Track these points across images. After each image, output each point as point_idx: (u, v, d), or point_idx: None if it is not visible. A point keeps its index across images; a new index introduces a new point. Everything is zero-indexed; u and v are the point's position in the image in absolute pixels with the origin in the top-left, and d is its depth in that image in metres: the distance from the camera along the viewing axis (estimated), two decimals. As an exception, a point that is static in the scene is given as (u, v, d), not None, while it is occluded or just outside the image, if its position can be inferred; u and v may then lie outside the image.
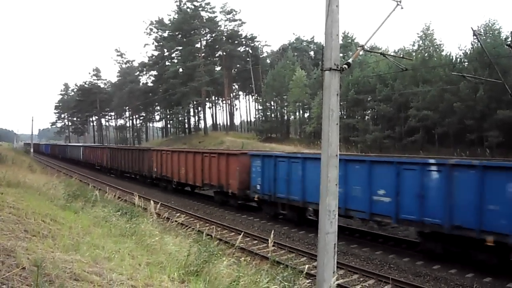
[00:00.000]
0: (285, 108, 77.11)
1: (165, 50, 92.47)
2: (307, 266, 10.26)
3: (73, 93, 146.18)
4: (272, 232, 12.96)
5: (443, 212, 14.00)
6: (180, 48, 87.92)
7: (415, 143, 46.93)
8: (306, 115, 73.07)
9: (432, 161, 15.11)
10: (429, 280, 13.54)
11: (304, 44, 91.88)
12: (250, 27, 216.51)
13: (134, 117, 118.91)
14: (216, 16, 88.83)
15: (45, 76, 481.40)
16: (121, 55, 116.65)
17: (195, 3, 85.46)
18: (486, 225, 12.82)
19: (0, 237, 6.22)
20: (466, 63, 45.95)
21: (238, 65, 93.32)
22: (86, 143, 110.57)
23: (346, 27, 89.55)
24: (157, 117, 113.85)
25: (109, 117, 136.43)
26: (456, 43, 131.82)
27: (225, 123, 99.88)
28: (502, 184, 12.59)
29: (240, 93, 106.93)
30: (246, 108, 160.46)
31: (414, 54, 50.51)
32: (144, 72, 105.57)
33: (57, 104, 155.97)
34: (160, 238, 10.21)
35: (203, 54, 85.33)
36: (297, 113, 77.01)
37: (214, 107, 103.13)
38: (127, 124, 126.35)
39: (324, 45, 9.09)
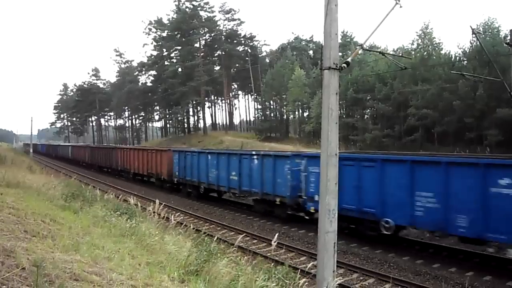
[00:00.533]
0: (284, 107, 77.12)
1: (164, 49, 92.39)
2: (309, 265, 10.27)
3: (72, 93, 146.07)
4: (275, 232, 12.96)
5: (260, 184, 23.17)
6: (179, 47, 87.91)
7: (414, 142, 46.93)
8: (305, 114, 73.09)
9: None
10: (429, 278, 13.55)
11: (303, 43, 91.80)
12: (249, 27, 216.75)
13: (133, 117, 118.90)
14: (215, 16, 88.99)
15: (44, 76, 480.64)
16: (120, 55, 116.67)
17: (194, 2, 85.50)
18: (277, 192, 21.95)
19: (0, 238, 6.22)
20: (465, 62, 46.00)
21: (237, 65, 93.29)
22: (75, 143, 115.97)
23: (345, 26, 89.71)
24: (157, 117, 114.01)
25: (109, 117, 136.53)
26: (455, 41, 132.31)
27: (224, 123, 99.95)
28: (281, 165, 21.83)
29: (239, 92, 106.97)
30: (245, 108, 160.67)
31: (413, 53, 50.48)
32: (143, 72, 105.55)
33: (56, 104, 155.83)
34: (160, 238, 10.20)
35: (202, 54, 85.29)
36: (297, 112, 77.03)
37: (213, 107, 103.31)
38: (127, 124, 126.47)
39: (323, 44, 9.09)
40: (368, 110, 58.98)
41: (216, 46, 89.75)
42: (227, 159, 26.10)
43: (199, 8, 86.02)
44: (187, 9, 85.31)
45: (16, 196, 11.98)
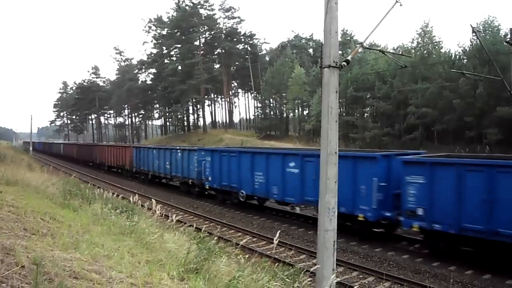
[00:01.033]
0: (284, 105, 77.14)
1: (164, 47, 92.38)
2: (309, 263, 10.26)
3: (72, 91, 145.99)
4: (275, 231, 12.95)
5: (181, 171, 31.59)
6: (179, 45, 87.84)
7: (414, 140, 46.95)
8: (305, 112, 73.11)
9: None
10: (428, 277, 13.55)
11: (303, 41, 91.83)
12: (249, 25, 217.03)
13: (133, 115, 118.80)
14: (214, 14, 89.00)
15: (44, 75, 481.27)
16: (120, 53, 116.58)
17: (193, 0, 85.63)
18: (190, 175, 30.40)
19: (-1, 236, 6.21)
20: (465, 60, 46.04)
21: (237, 63, 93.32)
22: (65, 141, 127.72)
23: (345, 24, 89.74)
24: (156, 115, 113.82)
25: (108, 115, 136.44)
26: (455, 40, 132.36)
27: (224, 121, 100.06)
28: (192, 157, 30.15)
29: (239, 90, 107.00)
30: (245, 106, 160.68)
31: (413, 51, 50.50)
32: (143, 70, 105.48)
33: (56, 103, 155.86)
34: (159, 236, 10.20)
35: (202, 52, 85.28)
36: (296, 111, 77.03)
37: (213, 105, 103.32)
38: (126, 122, 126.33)
39: (323, 42, 9.09)
40: (368, 109, 59.03)
41: (216, 44, 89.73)
42: (163, 154, 35.10)
43: (199, 6, 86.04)
44: (187, 7, 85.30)
45: (16, 194, 11.97)
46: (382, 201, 16.45)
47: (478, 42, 38.33)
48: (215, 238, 12.65)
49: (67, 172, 40.22)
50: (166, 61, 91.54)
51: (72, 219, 9.94)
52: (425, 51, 50.84)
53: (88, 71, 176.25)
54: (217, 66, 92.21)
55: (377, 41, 66.14)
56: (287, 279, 8.27)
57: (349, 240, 17.60)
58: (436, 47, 52.05)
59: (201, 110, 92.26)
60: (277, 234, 9.11)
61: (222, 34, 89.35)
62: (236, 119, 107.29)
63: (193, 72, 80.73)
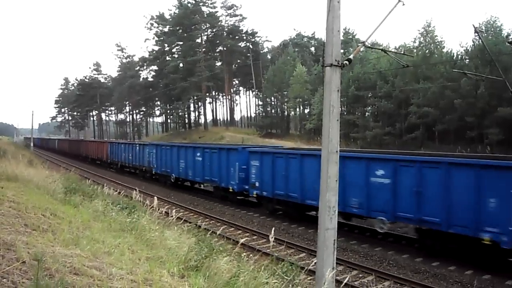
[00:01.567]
0: (286, 104, 77.09)
1: (166, 45, 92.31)
2: (309, 262, 10.27)
3: (73, 87, 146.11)
4: (275, 229, 12.96)
5: (142, 161, 39.35)
6: (181, 43, 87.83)
7: (415, 140, 46.95)
8: (306, 111, 73.06)
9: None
10: (428, 277, 13.56)
11: (305, 39, 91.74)
12: (250, 23, 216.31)
13: (134, 112, 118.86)
14: (217, 11, 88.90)
15: (45, 71, 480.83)
16: (121, 50, 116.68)
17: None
18: (144, 164, 38.67)
19: (0, 231, 6.23)
20: (467, 60, 45.99)
21: (238, 61, 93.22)
22: (59, 137, 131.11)
23: (347, 23, 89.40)
24: (157, 112, 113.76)
25: (109, 112, 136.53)
26: (457, 40, 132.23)
27: (225, 118, 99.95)
28: (143, 150, 38.84)
29: (241, 88, 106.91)
30: (246, 104, 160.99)
31: (415, 50, 50.46)
32: (145, 67, 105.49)
33: (58, 99, 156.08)
34: (160, 233, 10.21)
35: (203, 49, 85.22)
36: (297, 109, 76.96)
37: (214, 102, 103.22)
38: (127, 119, 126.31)
39: (325, 41, 9.08)
40: (369, 108, 59.05)
41: (217, 41, 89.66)
42: (125, 147, 44.41)
43: (201, 4, 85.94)
44: (189, 5, 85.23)
45: (17, 190, 11.99)
46: (243, 178, 24.53)
47: (480, 42, 38.30)
48: (213, 234, 12.67)
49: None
50: (167, 58, 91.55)
51: (72, 215, 9.95)
52: (427, 51, 50.80)
53: (90, 68, 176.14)
54: (218, 63, 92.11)
55: (379, 40, 66.22)
56: (286, 277, 8.28)
57: (349, 239, 17.63)
58: (438, 46, 52.02)
59: (202, 107, 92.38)
60: (272, 232, 9.12)
61: (224, 32, 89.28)
62: (237, 117, 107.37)
63: (195, 69, 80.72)
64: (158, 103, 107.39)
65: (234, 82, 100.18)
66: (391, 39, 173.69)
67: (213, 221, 22.10)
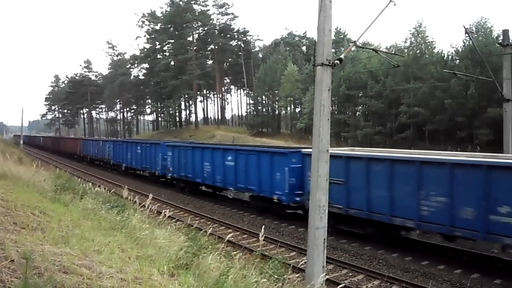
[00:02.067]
0: (277, 102, 77.06)
1: (157, 43, 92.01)
2: (299, 260, 10.28)
3: (63, 85, 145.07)
4: (265, 227, 12.95)
5: (109, 155, 46.67)
6: (172, 41, 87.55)
7: (405, 139, 47.11)
8: (297, 110, 73.18)
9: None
10: (417, 275, 13.63)
11: (296, 39, 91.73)
12: (242, 21, 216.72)
13: (125, 109, 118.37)
14: (208, 10, 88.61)
15: (35, 68, 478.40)
16: (112, 48, 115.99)
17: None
18: (105, 156, 48.49)
19: (-12, 229, 6.19)
20: (458, 61, 46.23)
21: (230, 59, 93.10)
22: (44, 135, 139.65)
23: (338, 22, 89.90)
24: (148, 110, 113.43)
25: (100, 110, 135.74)
26: (448, 40, 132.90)
27: (216, 117, 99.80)
28: (105, 145, 49.89)
29: (232, 87, 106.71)
30: (237, 102, 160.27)
31: (406, 50, 50.60)
32: (136, 65, 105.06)
33: (48, 96, 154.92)
34: (151, 232, 10.20)
35: (195, 48, 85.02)
36: (289, 108, 77.03)
37: (205, 101, 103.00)
38: (118, 117, 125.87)
39: (316, 40, 9.11)
40: (360, 107, 59.19)
41: (209, 40, 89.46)
42: (92, 143, 54.89)
43: (192, 2, 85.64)
44: (180, 3, 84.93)
45: (6, 187, 11.89)
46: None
47: (470, 43, 38.48)
48: (201, 231, 12.65)
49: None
50: (159, 56, 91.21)
51: (62, 214, 9.90)
52: (418, 51, 50.98)
53: (80, 65, 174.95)
54: (210, 62, 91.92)
55: (371, 40, 66.21)
56: (275, 275, 8.29)
57: (339, 238, 17.68)
58: (429, 47, 52.20)
59: (193, 106, 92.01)
60: (262, 230, 9.12)
61: (216, 30, 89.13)
62: (228, 115, 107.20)
63: (186, 67, 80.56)
64: (149, 101, 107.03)
65: (225, 81, 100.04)
66: (383, 39, 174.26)
67: (204, 219, 22.10)
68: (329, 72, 8.86)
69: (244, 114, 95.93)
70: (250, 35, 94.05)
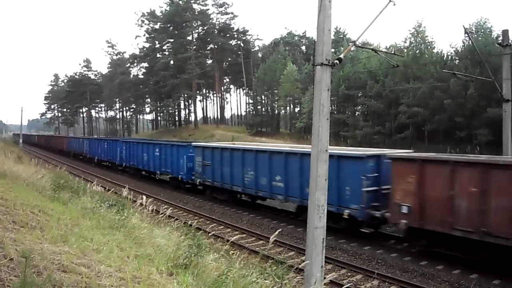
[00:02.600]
0: (276, 102, 77.05)
1: (157, 42, 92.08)
2: (298, 260, 10.28)
3: (63, 84, 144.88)
4: (264, 227, 12.96)
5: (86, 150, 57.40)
6: (172, 40, 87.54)
7: (405, 139, 47.11)
8: (296, 109, 73.16)
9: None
10: (416, 276, 13.65)
11: (296, 38, 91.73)
12: (242, 21, 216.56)
13: (124, 109, 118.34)
14: (208, 9, 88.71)
15: (35, 67, 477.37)
16: (112, 47, 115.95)
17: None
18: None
19: (-13, 228, 6.19)
20: (457, 61, 46.22)
21: (229, 59, 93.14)
22: (38, 133, 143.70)
23: (338, 22, 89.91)
24: (148, 109, 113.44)
25: (99, 109, 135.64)
26: (447, 40, 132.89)
27: (215, 116, 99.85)
28: (79, 141, 63.24)
29: (231, 86, 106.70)
30: (236, 102, 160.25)
31: (405, 50, 50.60)
32: (135, 64, 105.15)
33: (47, 95, 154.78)
34: (149, 231, 10.20)
35: (194, 47, 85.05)
36: (288, 108, 77.01)
37: (204, 100, 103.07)
38: (117, 116, 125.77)
39: (316, 40, 9.11)
40: (360, 107, 59.17)
41: (208, 39, 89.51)
42: (75, 140, 64.77)
43: (192, 1, 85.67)
44: (180, 2, 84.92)
45: (5, 186, 11.88)
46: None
47: (470, 43, 38.48)
48: (200, 231, 12.67)
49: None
50: (158, 55, 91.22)
51: (61, 212, 9.90)
52: (418, 51, 50.99)
53: (80, 64, 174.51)
54: (209, 61, 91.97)
55: (370, 40, 66.16)
56: (275, 276, 8.29)
57: (338, 238, 17.67)
58: (429, 47, 52.22)
59: (192, 105, 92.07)
60: (276, 232, 9.02)
61: (215, 30, 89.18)
62: (227, 115, 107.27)
63: (185, 67, 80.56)
64: (148, 100, 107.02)
65: (224, 80, 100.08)
66: (382, 39, 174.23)
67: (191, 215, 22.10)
68: (328, 72, 8.86)
69: (243, 113, 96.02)
70: (249, 35, 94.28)
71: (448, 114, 42.80)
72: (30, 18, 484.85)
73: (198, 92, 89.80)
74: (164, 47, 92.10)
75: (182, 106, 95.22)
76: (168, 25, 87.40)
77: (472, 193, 13.20)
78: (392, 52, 37.05)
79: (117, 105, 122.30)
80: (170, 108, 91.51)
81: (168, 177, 33.21)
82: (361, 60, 55.09)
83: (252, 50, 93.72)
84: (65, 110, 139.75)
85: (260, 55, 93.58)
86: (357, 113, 59.57)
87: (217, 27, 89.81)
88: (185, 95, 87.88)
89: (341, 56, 9.35)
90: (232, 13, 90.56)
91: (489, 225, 12.73)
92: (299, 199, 19.63)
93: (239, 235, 18.45)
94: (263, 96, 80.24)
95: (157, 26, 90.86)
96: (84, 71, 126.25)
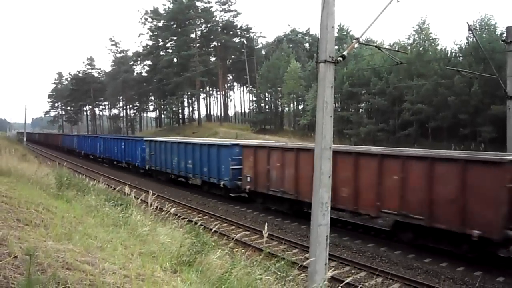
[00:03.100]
0: (280, 99, 77.07)
1: (160, 40, 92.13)
2: (302, 257, 10.27)
3: (66, 82, 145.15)
4: (268, 225, 12.94)
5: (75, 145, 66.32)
6: (175, 38, 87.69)
7: (408, 136, 47.03)
8: (300, 107, 73.08)
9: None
10: (420, 273, 13.63)
11: (299, 36, 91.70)
12: (245, 18, 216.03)
13: (128, 106, 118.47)
14: (211, 7, 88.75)
15: (38, 65, 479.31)
16: (115, 45, 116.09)
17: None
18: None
19: (-8, 226, 6.21)
20: (461, 58, 46.03)
21: (233, 56, 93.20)
22: (39, 131, 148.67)
23: (341, 19, 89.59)
24: (151, 107, 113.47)
25: (103, 107, 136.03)
26: (451, 37, 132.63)
27: (219, 114, 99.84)
28: (71, 139, 72.21)
29: (235, 84, 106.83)
30: (240, 99, 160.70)
31: (409, 47, 50.48)
32: (139, 62, 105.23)
33: (51, 93, 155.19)
34: (152, 228, 10.20)
35: (197, 45, 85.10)
36: (291, 105, 76.95)
37: (208, 98, 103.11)
38: (121, 114, 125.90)
39: (319, 37, 9.09)
40: (363, 104, 59.07)
41: (212, 37, 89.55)
42: (67, 137, 76.24)
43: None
44: (183, 0, 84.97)
45: (9, 184, 11.91)
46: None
47: (474, 40, 38.24)
48: (202, 228, 12.66)
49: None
50: (161, 53, 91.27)
51: (65, 210, 9.91)
52: (421, 48, 50.83)
53: (83, 62, 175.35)
54: (213, 59, 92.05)
55: (374, 37, 66.29)
56: (279, 273, 8.28)
57: (342, 235, 17.69)
58: (432, 44, 52.07)
59: (196, 103, 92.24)
60: (266, 227, 9.08)
61: (219, 27, 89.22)
62: (231, 112, 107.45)
63: (189, 64, 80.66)
64: (152, 98, 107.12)
65: (228, 78, 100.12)
66: (386, 36, 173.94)
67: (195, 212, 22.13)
68: (332, 69, 8.84)
69: (247, 111, 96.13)
70: (253, 32, 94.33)
71: (452, 111, 42.70)
72: (33, 17, 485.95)
73: (201, 89, 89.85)
74: (168, 45, 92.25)
75: (185, 103, 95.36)
76: (172, 23, 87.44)
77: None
78: (396, 49, 36.83)
79: (121, 103, 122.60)
80: (173, 106, 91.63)
81: (130, 166, 41.90)
82: (365, 57, 54.96)
83: (256, 47, 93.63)
84: (68, 108, 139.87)
85: (263, 52, 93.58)
86: (360, 110, 59.41)
87: (221, 24, 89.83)
88: (189, 93, 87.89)
89: (345, 53, 9.32)
90: (235, 10, 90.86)
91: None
92: (200, 176, 28.65)
93: (243, 232, 18.46)
94: (266, 94, 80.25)
95: (160, 24, 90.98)
96: (87, 69, 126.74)
